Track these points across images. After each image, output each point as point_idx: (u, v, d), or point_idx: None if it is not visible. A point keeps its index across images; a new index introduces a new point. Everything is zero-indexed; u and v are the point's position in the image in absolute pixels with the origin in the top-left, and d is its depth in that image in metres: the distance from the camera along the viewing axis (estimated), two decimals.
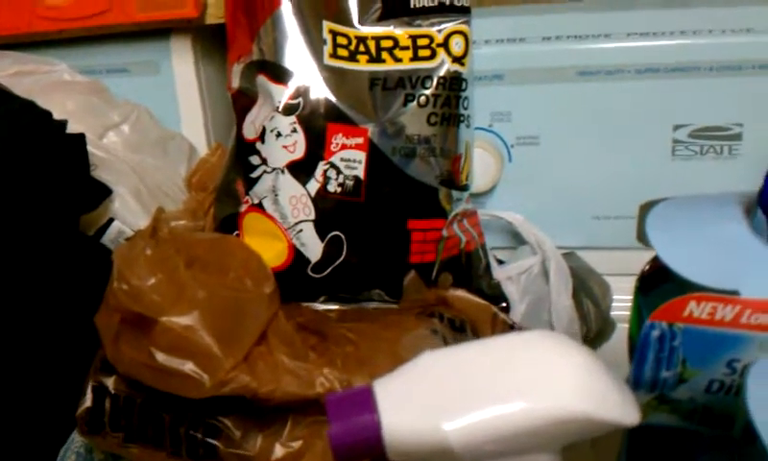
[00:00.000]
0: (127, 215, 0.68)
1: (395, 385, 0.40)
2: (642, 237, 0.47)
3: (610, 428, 0.37)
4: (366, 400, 0.38)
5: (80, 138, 0.64)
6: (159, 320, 0.51)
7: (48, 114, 0.61)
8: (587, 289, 0.71)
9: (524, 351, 0.39)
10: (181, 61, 0.76)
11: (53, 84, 0.71)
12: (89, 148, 0.66)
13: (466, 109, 0.67)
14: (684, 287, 0.42)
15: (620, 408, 0.37)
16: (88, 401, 0.57)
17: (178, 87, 0.77)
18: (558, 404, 0.36)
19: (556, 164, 0.73)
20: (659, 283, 0.45)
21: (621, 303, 0.70)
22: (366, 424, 0.38)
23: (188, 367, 0.50)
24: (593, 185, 0.73)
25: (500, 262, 0.73)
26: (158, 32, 0.75)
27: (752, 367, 0.38)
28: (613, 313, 0.72)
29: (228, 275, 0.58)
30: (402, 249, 0.65)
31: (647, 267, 0.48)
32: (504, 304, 0.69)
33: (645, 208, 0.47)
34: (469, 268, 0.69)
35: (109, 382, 0.56)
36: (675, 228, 0.45)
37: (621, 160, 0.72)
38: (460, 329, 0.62)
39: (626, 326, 0.67)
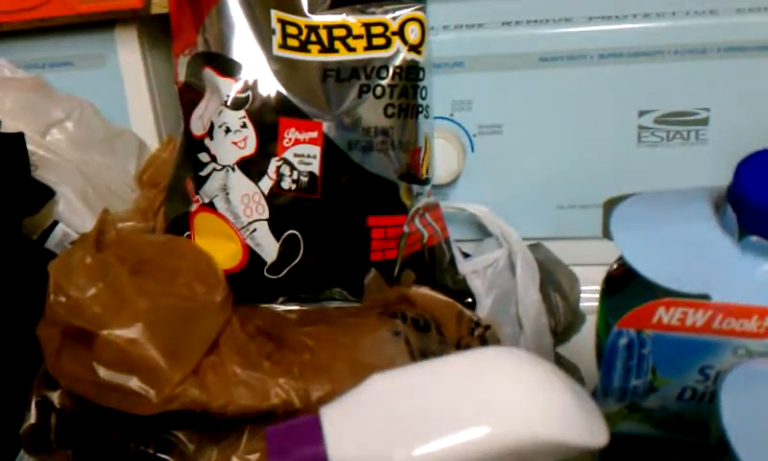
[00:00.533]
0: (72, 217, 0.65)
1: (343, 413, 0.37)
2: (607, 235, 0.45)
3: (577, 452, 0.34)
4: (311, 431, 0.36)
5: (18, 138, 0.61)
6: (100, 333, 0.48)
7: None
8: (554, 281, 0.69)
9: (483, 372, 0.36)
10: (128, 53, 0.73)
11: None
12: (30, 147, 0.62)
13: (424, 99, 0.64)
14: (651, 291, 0.40)
15: (587, 431, 0.35)
16: (33, 418, 0.54)
17: (125, 80, 0.73)
18: (521, 430, 0.34)
19: (520, 153, 0.71)
20: (625, 284, 0.43)
21: (590, 294, 0.69)
22: (311, 457, 0.35)
23: (133, 382, 0.48)
24: (558, 174, 0.71)
25: (466, 255, 0.71)
26: (103, 23, 0.71)
27: (725, 377, 0.36)
28: (582, 304, 0.71)
29: (177, 280, 0.55)
30: (362, 246, 0.63)
31: (614, 267, 0.46)
32: (470, 300, 0.67)
33: (609, 205, 0.45)
34: (433, 263, 0.67)
35: (54, 396, 0.53)
36: (641, 227, 0.43)
37: (586, 148, 0.70)
38: (424, 329, 0.60)
39: (595, 317, 0.66)
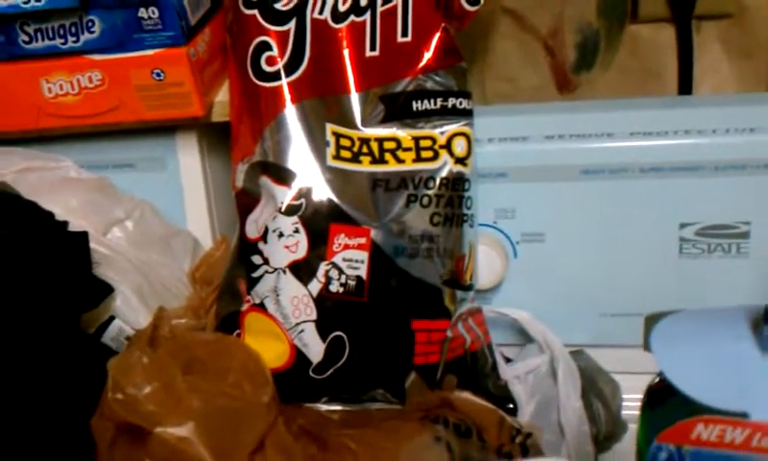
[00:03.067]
0: (128, 313, 0.68)
1: None
2: (648, 350, 0.45)
3: None
4: None
5: (82, 237, 0.64)
6: (154, 431, 0.50)
7: (50, 215, 0.61)
8: (596, 389, 0.69)
9: None
10: (188, 158, 0.76)
11: (58, 181, 0.72)
12: (92, 245, 0.66)
13: (469, 208, 0.66)
14: (690, 406, 0.41)
15: None
16: None
17: (184, 183, 0.77)
18: None
19: (562, 261, 0.72)
20: (665, 399, 0.44)
21: (631, 402, 0.68)
22: None
23: None
24: (600, 282, 0.72)
25: (508, 360, 0.72)
26: (164, 128, 0.75)
27: None
28: (624, 413, 0.70)
29: (227, 379, 0.57)
30: (406, 349, 0.64)
31: (655, 380, 0.47)
32: (511, 406, 0.68)
33: (650, 321, 0.46)
34: (475, 368, 0.68)
35: None
36: (680, 344, 0.44)
37: (628, 258, 0.71)
38: (465, 435, 0.61)
39: (636, 425, 0.66)
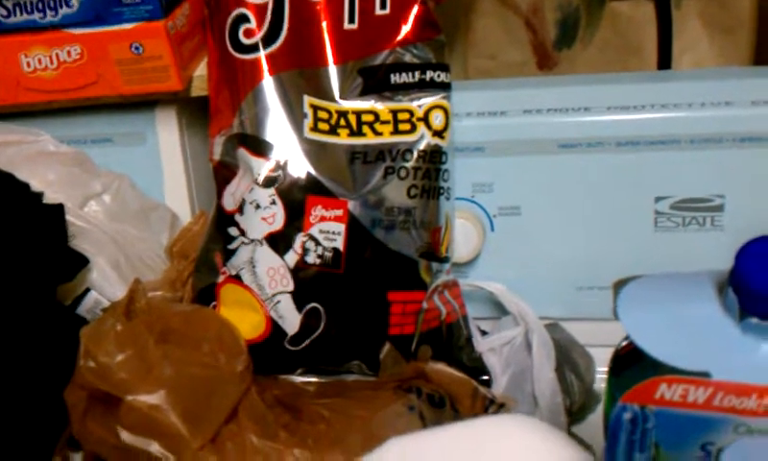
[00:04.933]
0: (104, 285, 0.68)
1: None
2: (616, 315, 0.46)
3: None
4: None
5: (58, 209, 0.64)
6: (125, 398, 0.50)
7: (25, 186, 0.61)
8: (570, 361, 0.70)
9: (498, 439, 0.38)
10: (167, 132, 0.76)
11: (36, 155, 0.72)
12: (69, 218, 0.66)
13: (446, 181, 0.67)
14: (655, 368, 0.42)
15: None
16: None
17: (162, 158, 0.77)
18: None
19: (538, 235, 0.73)
20: (631, 364, 0.44)
21: (605, 374, 0.69)
22: None
23: (154, 447, 0.49)
24: (576, 256, 0.73)
25: (483, 333, 0.72)
26: (144, 103, 0.75)
27: (724, 453, 0.37)
28: (597, 385, 0.71)
29: (201, 348, 0.57)
30: (382, 321, 0.64)
31: (621, 346, 0.47)
32: (485, 377, 0.68)
33: (618, 286, 0.46)
34: (450, 340, 0.69)
35: (77, 458, 0.55)
36: (646, 307, 0.44)
37: (603, 232, 0.72)
38: (439, 405, 0.61)
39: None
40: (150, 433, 0.50)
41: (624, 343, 0.47)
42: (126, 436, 0.49)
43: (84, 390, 0.52)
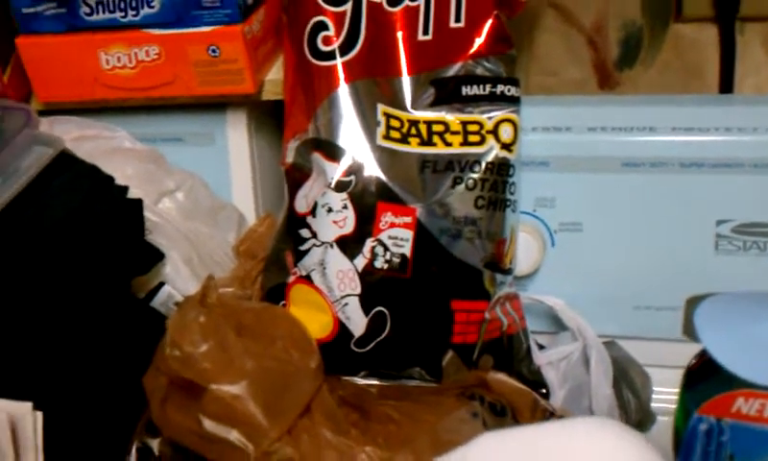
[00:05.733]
0: (177, 280, 0.70)
1: None
2: (689, 331, 0.47)
3: None
4: None
5: (137, 203, 0.67)
6: (209, 387, 0.52)
7: (110, 179, 0.64)
8: (627, 379, 0.71)
9: (589, 439, 0.39)
10: (236, 134, 0.78)
11: (113, 150, 0.74)
12: (145, 213, 0.68)
13: (512, 194, 0.68)
14: (731, 382, 0.43)
15: None
16: None
17: (231, 158, 0.79)
18: None
19: (598, 252, 0.74)
20: (705, 377, 0.45)
21: (661, 394, 0.70)
22: None
23: (234, 435, 0.51)
24: (635, 275, 0.74)
25: (541, 347, 0.73)
26: (215, 104, 0.77)
27: None
28: (653, 405, 0.72)
29: (274, 344, 0.59)
30: (445, 328, 0.66)
31: (694, 361, 0.48)
32: (544, 390, 0.69)
33: (692, 303, 0.47)
34: (510, 351, 0.70)
35: (154, 444, 0.57)
36: (723, 324, 0.45)
37: (664, 252, 0.72)
38: (501, 413, 0.62)
39: (665, 418, 0.67)
40: (230, 422, 0.51)
41: (696, 357, 0.48)
42: (208, 424, 0.51)
43: (165, 377, 0.54)
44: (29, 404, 0.52)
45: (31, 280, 0.58)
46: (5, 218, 0.59)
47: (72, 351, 0.60)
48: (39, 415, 0.52)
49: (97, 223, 0.61)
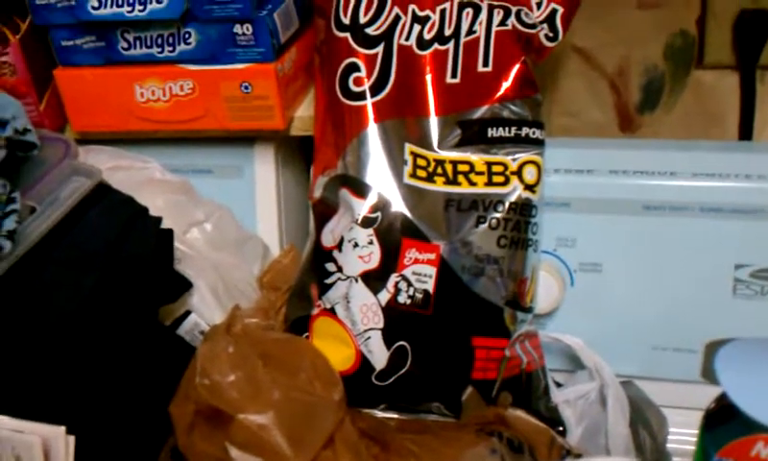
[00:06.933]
0: (203, 309, 0.72)
1: None
2: (708, 375, 0.48)
3: None
4: None
5: (168, 233, 0.68)
6: (236, 417, 0.53)
7: (145, 209, 0.65)
8: (643, 419, 0.71)
9: None
10: (264, 168, 0.80)
11: (145, 181, 0.76)
12: (175, 243, 0.70)
13: (534, 234, 0.69)
14: (750, 427, 0.43)
15: None
16: None
17: (257, 191, 0.81)
18: None
19: (617, 292, 0.75)
20: (725, 421, 0.46)
21: (677, 435, 0.71)
22: None
23: None
24: (653, 316, 0.74)
25: (558, 385, 0.74)
26: (244, 138, 0.79)
27: None
28: (669, 446, 0.72)
29: (299, 376, 0.60)
30: (466, 364, 0.67)
31: (713, 404, 0.49)
32: (561, 428, 0.70)
33: (712, 348, 0.48)
34: (529, 389, 0.70)
35: None
36: (743, 368, 0.46)
37: (682, 294, 0.73)
38: (518, 450, 0.63)
39: (681, 460, 0.68)
40: (257, 451, 0.53)
41: (716, 401, 0.49)
42: (234, 453, 0.52)
43: (193, 405, 0.55)
44: (62, 428, 0.54)
45: (66, 308, 0.59)
46: (44, 247, 0.61)
47: (103, 377, 0.61)
48: (72, 439, 0.54)
49: (132, 254, 0.63)
